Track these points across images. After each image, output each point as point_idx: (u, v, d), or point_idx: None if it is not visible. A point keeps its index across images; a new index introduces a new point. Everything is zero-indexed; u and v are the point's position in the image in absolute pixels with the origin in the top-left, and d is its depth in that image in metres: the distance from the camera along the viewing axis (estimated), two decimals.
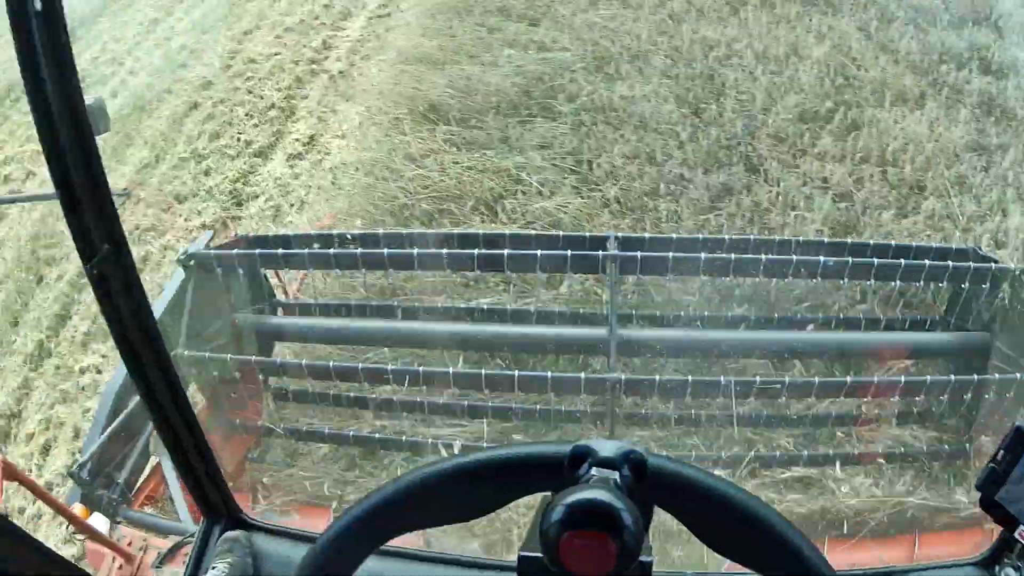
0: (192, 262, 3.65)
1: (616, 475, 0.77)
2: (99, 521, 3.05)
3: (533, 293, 4.55)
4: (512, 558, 0.84)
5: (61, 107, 1.24)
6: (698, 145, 5.92)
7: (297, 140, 7.04)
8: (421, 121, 6.28)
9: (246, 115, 7.47)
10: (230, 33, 8.75)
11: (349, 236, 3.94)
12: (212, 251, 3.75)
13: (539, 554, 0.77)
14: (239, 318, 3.86)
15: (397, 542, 0.95)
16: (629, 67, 6.79)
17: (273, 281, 4.24)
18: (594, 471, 0.78)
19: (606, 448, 0.78)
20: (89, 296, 6.10)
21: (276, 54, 8.25)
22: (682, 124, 6.11)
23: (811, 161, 5.84)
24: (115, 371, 3.80)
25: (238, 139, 7.19)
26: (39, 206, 7.28)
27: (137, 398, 3.30)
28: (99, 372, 5.46)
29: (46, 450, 5.10)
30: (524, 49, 7.11)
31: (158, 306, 3.45)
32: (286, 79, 7.82)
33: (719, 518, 0.82)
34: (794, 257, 3.48)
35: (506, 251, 3.54)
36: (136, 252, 6.22)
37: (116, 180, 7.32)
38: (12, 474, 2.56)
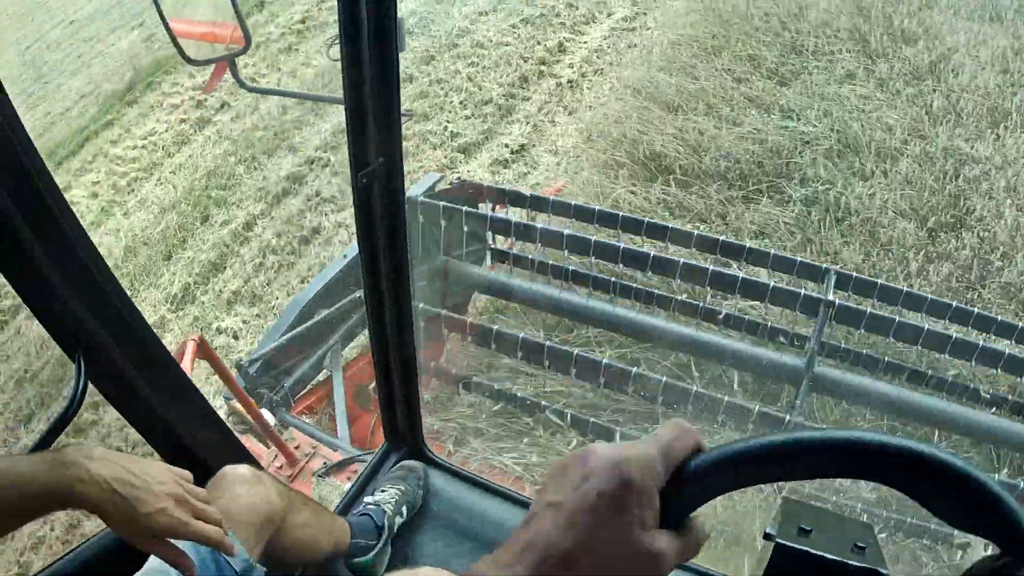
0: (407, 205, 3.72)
1: None
2: (266, 417, 3.11)
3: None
4: None
5: (372, 13, 1.26)
6: (926, 280, 5.37)
7: (507, 146, 6.76)
8: (639, 170, 5.95)
9: (460, 103, 7.27)
10: (465, 10, 8.56)
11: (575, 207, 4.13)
12: (433, 201, 3.92)
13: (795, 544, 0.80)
14: (451, 262, 4.01)
15: None
16: (874, 164, 6.24)
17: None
18: None
19: None
20: (249, 254, 6.14)
21: (506, 44, 8.00)
22: (915, 250, 5.56)
23: None
24: (313, 281, 3.95)
25: (445, 128, 6.99)
26: (225, 142, 7.37)
27: (325, 311, 3.63)
28: (235, 338, 5.44)
29: None
30: (767, 111, 6.65)
31: None
32: (511, 75, 7.56)
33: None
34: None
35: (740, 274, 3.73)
36: (310, 221, 6.22)
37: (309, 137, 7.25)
38: (206, 352, 2.73)
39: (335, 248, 5.93)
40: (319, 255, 5.98)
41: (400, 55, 1.40)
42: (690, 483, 0.70)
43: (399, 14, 1.36)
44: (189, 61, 3.00)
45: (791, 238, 5.52)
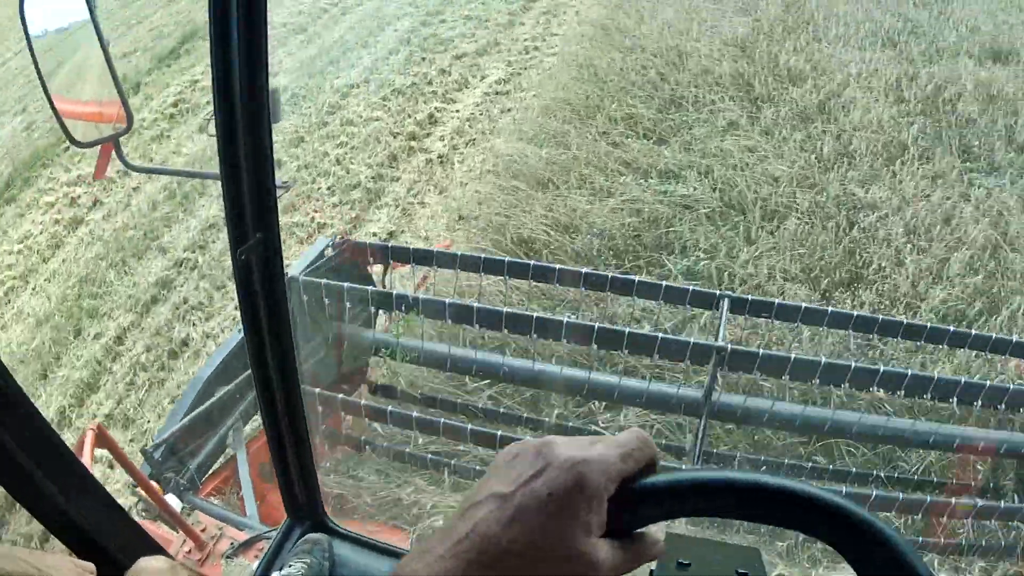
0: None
1: None
2: (172, 502, 3.07)
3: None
4: None
5: (245, 87, 1.24)
6: (819, 346, 4.95)
7: (375, 235, 6.30)
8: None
9: (328, 189, 6.83)
10: (337, 83, 8.13)
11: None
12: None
13: None
14: (344, 329, 3.98)
15: None
16: (760, 225, 5.87)
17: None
18: None
19: None
20: (121, 371, 5.83)
21: (377, 119, 7.57)
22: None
23: None
24: (209, 359, 3.87)
25: (312, 219, 6.54)
26: (97, 244, 7.02)
27: (225, 388, 3.54)
28: (111, 467, 4.97)
29: None
30: (645, 176, 6.27)
31: None
32: (380, 154, 7.12)
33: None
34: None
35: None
36: (179, 332, 5.82)
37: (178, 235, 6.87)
38: (106, 442, 2.68)
39: (203, 361, 5.53)
40: (187, 370, 5.60)
41: (273, 130, 1.36)
42: (644, 499, 0.68)
43: (275, 85, 1.38)
44: (76, 144, 2.82)
45: (671, 316, 5.08)
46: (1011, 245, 6.02)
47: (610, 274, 4.09)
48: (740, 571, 0.87)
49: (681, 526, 2.73)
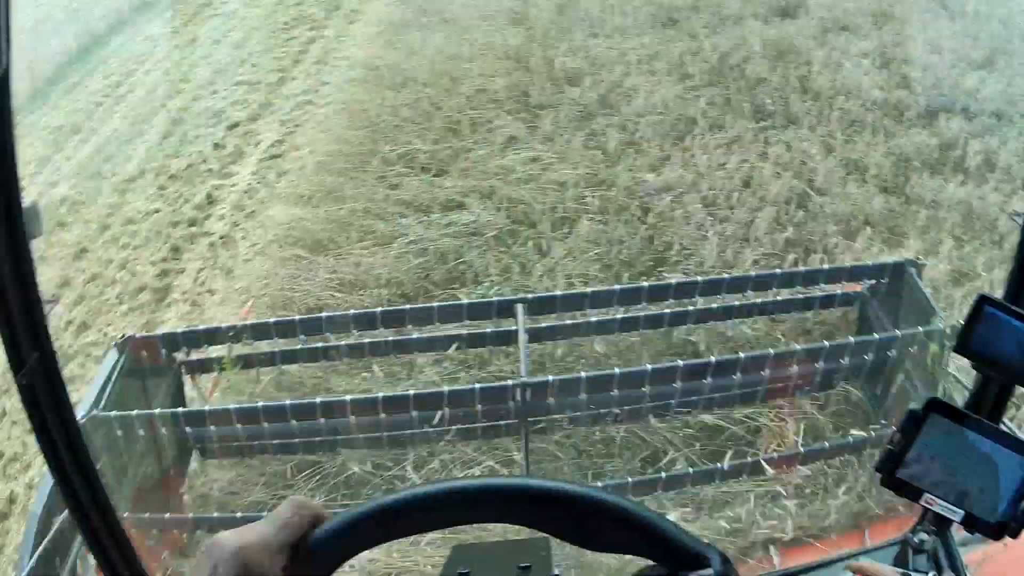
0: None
1: None
2: None
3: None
4: None
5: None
6: (631, 349, 4.80)
7: None
8: None
9: (116, 298, 6.39)
10: (115, 180, 7.66)
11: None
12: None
13: None
14: (157, 424, 3.96)
15: None
16: (549, 236, 5.74)
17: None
18: None
19: None
20: None
21: (156, 211, 7.14)
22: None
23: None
24: (39, 491, 3.75)
25: (105, 334, 6.10)
26: None
27: (62, 515, 3.40)
28: None
29: None
30: (426, 212, 6.11)
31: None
32: (162, 248, 6.72)
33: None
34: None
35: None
36: (3, 490, 5.46)
37: None
38: None
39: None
40: (21, 529, 5.21)
41: (47, 249, 1.18)
42: (314, 553, 0.75)
43: (34, 199, 1.37)
44: None
45: (475, 355, 4.85)
46: (818, 191, 6.09)
47: (408, 307, 4.56)
48: (522, 565, 0.89)
49: None
